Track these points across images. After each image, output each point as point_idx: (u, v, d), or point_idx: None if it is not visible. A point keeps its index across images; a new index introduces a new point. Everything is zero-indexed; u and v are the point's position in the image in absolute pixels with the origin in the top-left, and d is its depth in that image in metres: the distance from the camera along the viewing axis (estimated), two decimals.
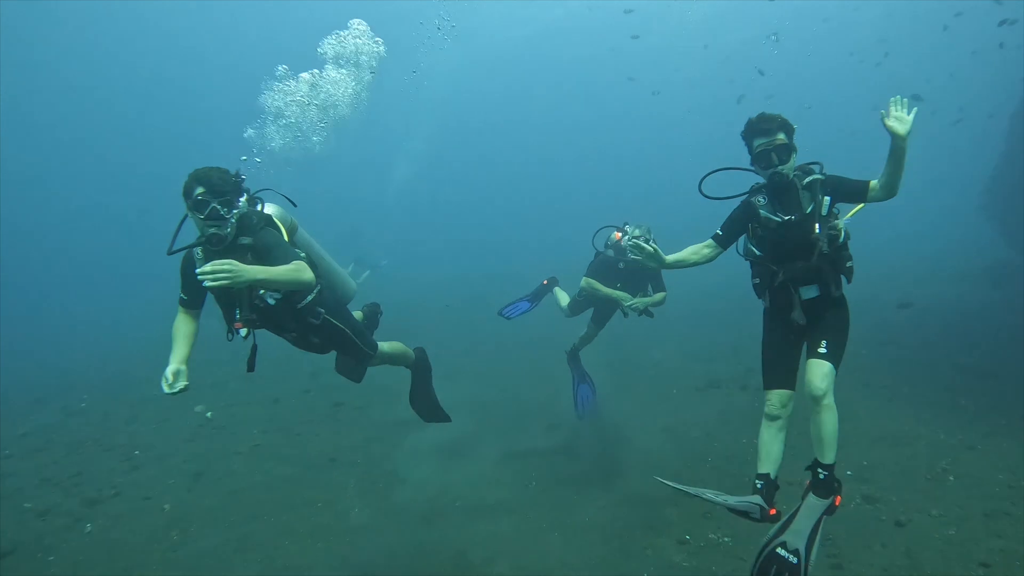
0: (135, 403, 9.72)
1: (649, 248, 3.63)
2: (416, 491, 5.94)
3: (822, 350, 3.43)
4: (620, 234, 6.53)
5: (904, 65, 24.99)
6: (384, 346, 4.50)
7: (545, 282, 7.79)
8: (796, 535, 3.21)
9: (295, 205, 3.96)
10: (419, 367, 4.94)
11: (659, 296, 6.43)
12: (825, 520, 3.32)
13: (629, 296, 6.38)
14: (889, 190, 3.36)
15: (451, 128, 42.63)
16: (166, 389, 3.30)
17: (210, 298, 3.65)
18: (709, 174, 3.67)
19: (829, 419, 3.29)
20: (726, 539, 4.62)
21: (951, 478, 5.41)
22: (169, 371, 3.34)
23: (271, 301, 3.53)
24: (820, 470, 3.31)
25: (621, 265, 6.48)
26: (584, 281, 6.67)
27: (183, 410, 8.97)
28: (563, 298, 7.47)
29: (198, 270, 2.99)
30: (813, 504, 3.29)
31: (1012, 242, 13.71)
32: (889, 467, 5.60)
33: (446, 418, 5.10)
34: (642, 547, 4.61)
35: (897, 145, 3.23)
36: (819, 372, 3.36)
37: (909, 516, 4.78)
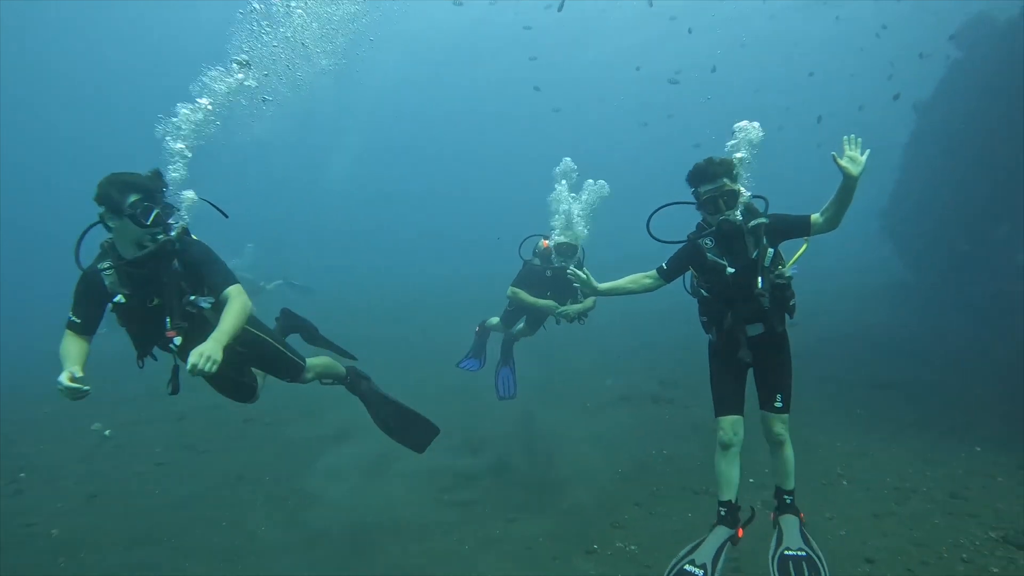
0: (23, 424, 9.06)
1: (583, 275, 3.84)
2: (330, 510, 5.80)
3: (778, 404, 3.79)
4: (547, 242, 6.56)
5: (818, 93, 26.75)
6: (312, 360, 4.28)
7: (477, 329, 7.67)
8: (792, 540, 3.64)
9: (227, 216, 3.58)
10: (354, 381, 4.67)
11: (589, 302, 6.41)
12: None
13: (557, 304, 6.39)
14: (832, 224, 3.55)
15: (388, 123, 42.31)
16: (65, 382, 2.93)
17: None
18: (656, 211, 3.80)
19: (789, 455, 3.84)
20: (633, 547, 4.76)
21: (844, 482, 5.80)
22: (65, 373, 2.97)
23: (206, 305, 3.34)
24: (785, 496, 3.86)
25: (548, 273, 6.47)
26: (509, 290, 6.66)
27: (78, 429, 8.43)
28: (493, 319, 7.45)
29: (189, 368, 2.86)
30: (790, 520, 3.77)
31: (907, 263, 14.86)
32: None
33: (432, 429, 4.78)
34: (551, 557, 4.69)
35: (848, 184, 3.41)
36: (778, 422, 3.79)
37: (807, 520, 5.08)
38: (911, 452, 6.39)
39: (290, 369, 4.05)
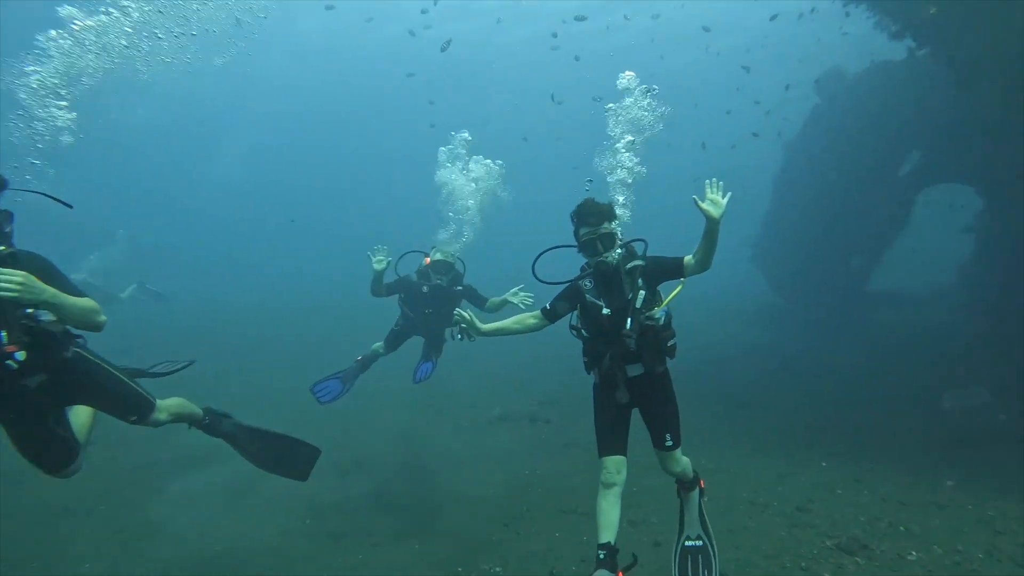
0: None
1: (468, 316, 3.80)
2: (173, 542, 5.38)
3: (669, 443, 3.92)
4: (429, 259, 6.47)
5: (701, 126, 28.48)
6: (164, 401, 3.81)
7: (359, 358, 7.13)
8: (692, 526, 4.18)
9: (71, 207, 3.14)
10: (213, 422, 4.22)
11: (497, 301, 6.21)
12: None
13: (382, 254, 6.07)
14: (703, 265, 3.63)
15: (277, 122, 40.55)
16: None
17: None
18: (541, 254, 3.86)
19: (688, 469, 4.18)
20: (498, 569, 4.74)
21: (705, 499, 6.09)
22: None
23: (46, 318, 2.91)
24: (687, 482, 4.28)
25: (425, 289, 6.36)
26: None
27: None
28: (376, 344, 7.03)
29: None
30: (690, 498, 4.29)
31: (777, 289, 16.13)
32: (653, 493, 6.14)
33: (312, 451, 4.42)
34: None
35: (711, 227, 3.47)
36: (670, 459, 3.99)
37: (665, 537, 5.25)
38: (766, 468, 6.83)
39: (137, 405, 3.57)
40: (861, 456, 6.98)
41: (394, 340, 6.95)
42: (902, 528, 5.15)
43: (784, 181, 15.42)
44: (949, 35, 7.65)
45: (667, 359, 3.91)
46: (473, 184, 6.70)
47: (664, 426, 3.92)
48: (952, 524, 5.14)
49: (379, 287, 6.34)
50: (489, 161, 6.94)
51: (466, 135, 6.55)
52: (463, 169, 6.71)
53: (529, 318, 3.98)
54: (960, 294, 11.73)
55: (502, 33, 27.81)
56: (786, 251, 14.92)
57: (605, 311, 3.75)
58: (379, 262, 6.05)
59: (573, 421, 8.17)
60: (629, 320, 3.71)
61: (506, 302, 5.80)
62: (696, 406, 8.85)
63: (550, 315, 3.95)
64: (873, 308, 13.88)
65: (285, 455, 4.40)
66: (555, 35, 22.22)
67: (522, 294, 5.60)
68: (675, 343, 3.90)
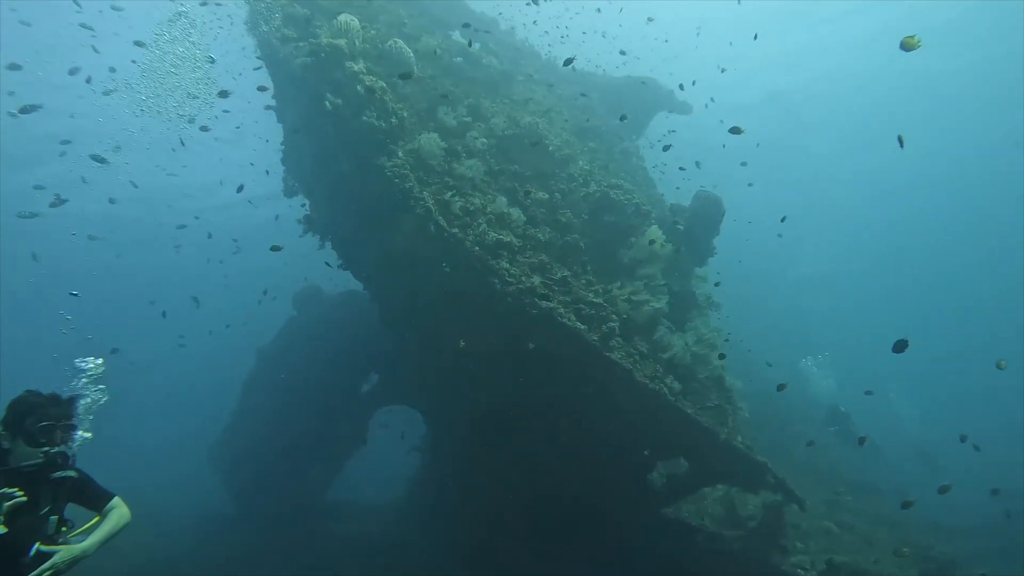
0: None
1: None
2: None
3: None
4: None
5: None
6: None
7: None
8: None
9: None
10: None
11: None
12: None
13: None
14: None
15: None
16: None
17: None
18: None
19: None
20: None
21: None
22: None
23: None
24: None
25: None
26: None
27: None
28: None
29: None
30: None
31: (233, 495, 15.47)
32: None
33: None
34: None
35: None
36: None
37: None
38: None
39: None
40: None
41: None
42: None
43: (253, 386, 15.60)
44: (378, 281, 8.92)
45: None
46: None
47: None
48: None
49: None
50: None
51: None
52: None
53: None
54: (407, 505, 13.46)
55: None
56: (247, 457, 14.66)
57: (1, 529, 3.00)
58: None
59: None
60: (35, 546, 3.07)
61: None
62: None
63: None
64: (330, 518, 14.58)
65: None
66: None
67: None
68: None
